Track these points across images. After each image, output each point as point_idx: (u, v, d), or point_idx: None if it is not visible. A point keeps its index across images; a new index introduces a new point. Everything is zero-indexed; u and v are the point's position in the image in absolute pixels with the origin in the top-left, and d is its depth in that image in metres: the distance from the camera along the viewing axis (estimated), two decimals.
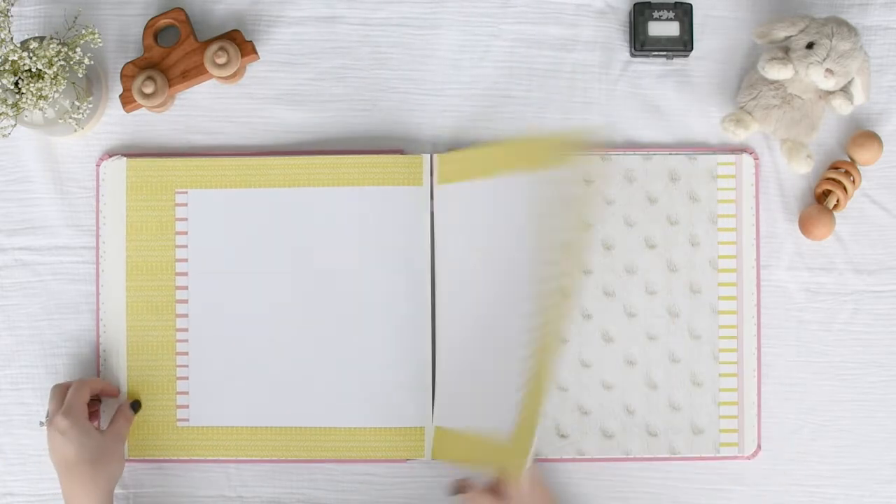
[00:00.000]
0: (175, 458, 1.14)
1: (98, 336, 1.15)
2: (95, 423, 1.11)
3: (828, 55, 1.07)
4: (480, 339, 1.08)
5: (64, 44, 1.07)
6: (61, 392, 1.09)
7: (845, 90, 1.10)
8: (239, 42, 1.13)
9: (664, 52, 1.15)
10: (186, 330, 1.14)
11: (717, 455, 1.13)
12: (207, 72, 1.13)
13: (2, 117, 1.05)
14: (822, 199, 1.14)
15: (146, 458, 1.14)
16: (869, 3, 1.16)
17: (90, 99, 1.11)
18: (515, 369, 1.01)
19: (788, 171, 1.15)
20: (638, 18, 1.14)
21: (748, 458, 1.14)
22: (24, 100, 1.05)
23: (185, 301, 1.14)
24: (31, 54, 1.05)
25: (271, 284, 1.14)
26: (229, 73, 1.12)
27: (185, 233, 1.14)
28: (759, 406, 1.14)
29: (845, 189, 1.13)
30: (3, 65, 1.05)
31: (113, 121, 1.17)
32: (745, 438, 1.14)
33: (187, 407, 1.14)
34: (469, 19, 1.17)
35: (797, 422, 1.15)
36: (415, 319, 1.13)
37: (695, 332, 1.14)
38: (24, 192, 1.17)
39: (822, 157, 1.16)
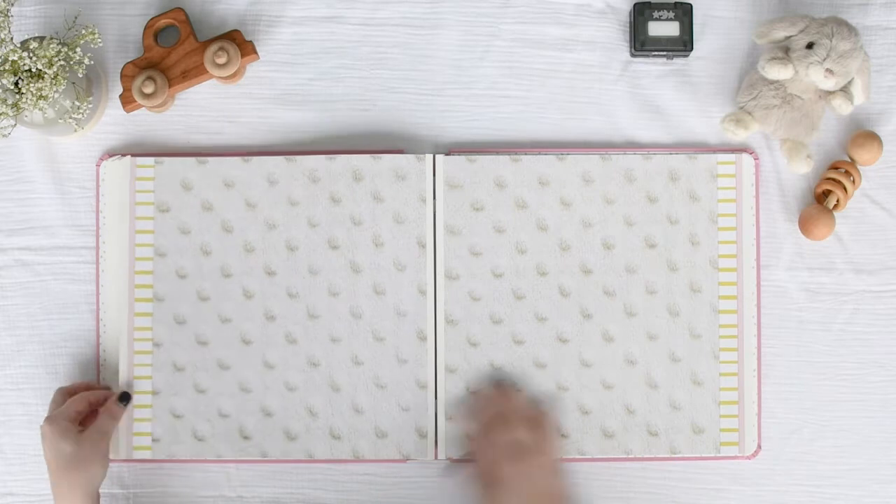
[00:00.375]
0: (175, 458, 1.14)
1: (98, 336, 1.15)
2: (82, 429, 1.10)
3: (828, 55, 1.07)
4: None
5: (64, 44, 1.07)
6: (61, 397, 1.10)
7: (845, 90, 1.10)
8: (239, 42, 1.13)
9: (664, 52, 1.15)
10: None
11: (718, 455, 1.13)
12: (207, 72, 1.13)
13: (2, 117, 1.05)
14: (822, 199, 1.14)
15: (146, 458, 1.14)
16: (869, 3, 1.17)
17: (90, 99, 1.11)
18: None
19: (788, 171, 1.15)
20: (638, 18, 1.14)
21: (748, 458, 1.14)
22: (24, 100, 1.05)
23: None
24: (31, 54, 1.05)
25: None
26: (229, 73, 1.12)
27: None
28: (759, 406, 1.14)
29: (845, 189, 1.13)
30: (3, 65, 1.05)
31: (113, 121, 1.17)
32: (745, 438, 1.14)
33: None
34: (469, 19, 1.17)
35: (797, 422, 1.15)
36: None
37: (695, 331, 1.14)
38: (24, 192, 1.17)
39: (822, 157, 1.16)
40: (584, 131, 1.16)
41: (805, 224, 1.13)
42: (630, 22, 1.15)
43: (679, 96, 1.16)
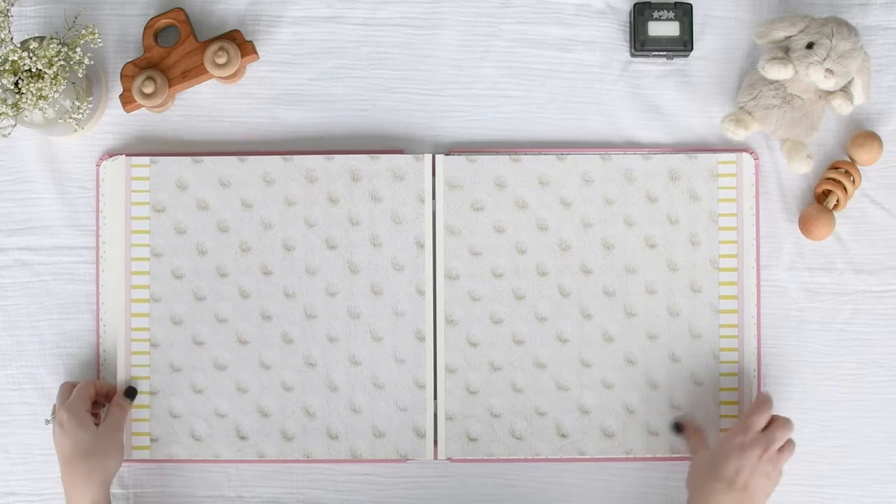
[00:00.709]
0: (175, 458, 1.14)
1: (98, 336, 1.15)
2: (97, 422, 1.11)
3: (828, 55, 1.07)
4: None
5: (64, 44, 1.07)
6: (68, 389, 1.10)
7: (845, 90, 1.10)
8: (239, 42, 1.13)
9: (664, 52, 1.15)
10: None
11: None
12: (207, 72, 1.13)
13: (2, 117, 1.05)
14: (822, 199, 1.14)
15: (146, 458, 1.14)
16: (869, 3, 1.16)
17: (90, 99, 1.11)
18: None
19: (788, 171, 1.15)
20: (638, 18, 1.14)
21: None
22: (24, 100, 1.05)
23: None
24: (31, 54, 1.05)
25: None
26: (229, 73, 1.12)
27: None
28: None
29: (845, 189, 1.13)
30: (3, 65, 1.05)
31: (113, 121, 1.17)
32: None
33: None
34: (469, 19, 1.17)
35: (797, 422, 1.14)
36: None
37: (695, 331, 1.14)
38: (24, 192, 1.17)
39: (822, 157, 1.16)
40: (584, 131, 1.16)
41: (805, 224, 1.13)
42: (630, 22, 1.15)
43: (679, 96, 1.16)
